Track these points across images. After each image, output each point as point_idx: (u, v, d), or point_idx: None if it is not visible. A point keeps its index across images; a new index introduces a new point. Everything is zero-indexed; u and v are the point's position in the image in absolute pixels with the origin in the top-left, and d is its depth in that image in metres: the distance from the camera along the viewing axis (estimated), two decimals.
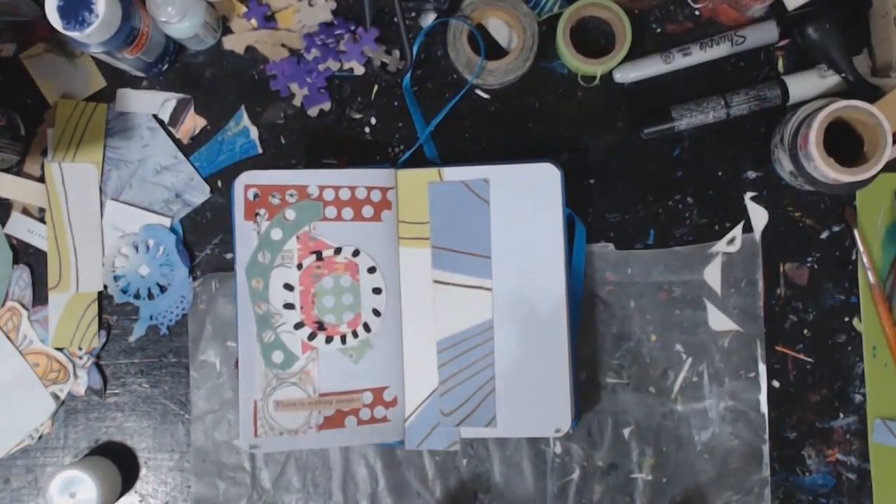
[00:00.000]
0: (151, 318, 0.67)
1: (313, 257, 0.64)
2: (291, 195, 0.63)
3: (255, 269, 0.63)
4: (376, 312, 0.64)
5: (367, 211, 0.64)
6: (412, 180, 0.65)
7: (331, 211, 0.64)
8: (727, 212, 0.67)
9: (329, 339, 0.63)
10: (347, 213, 0.64)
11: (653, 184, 0.68)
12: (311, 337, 0.63)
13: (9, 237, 0.68)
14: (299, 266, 0.63)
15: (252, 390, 0.62)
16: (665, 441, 0.66)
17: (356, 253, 0.64)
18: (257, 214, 0.63)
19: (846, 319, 0.67)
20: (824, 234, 0.68)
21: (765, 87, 0.67)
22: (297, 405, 0.62)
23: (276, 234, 0.63)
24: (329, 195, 0.64)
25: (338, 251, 0.64)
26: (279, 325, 0.63)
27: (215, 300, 0.67)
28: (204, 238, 0.68)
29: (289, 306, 0.63)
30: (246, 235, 0.63)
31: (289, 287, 0.63)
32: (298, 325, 0.63)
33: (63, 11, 0.57)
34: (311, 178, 0.64)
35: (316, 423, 0.62)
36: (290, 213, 0.63)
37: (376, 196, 0.64)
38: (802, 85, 0.66)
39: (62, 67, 0.68)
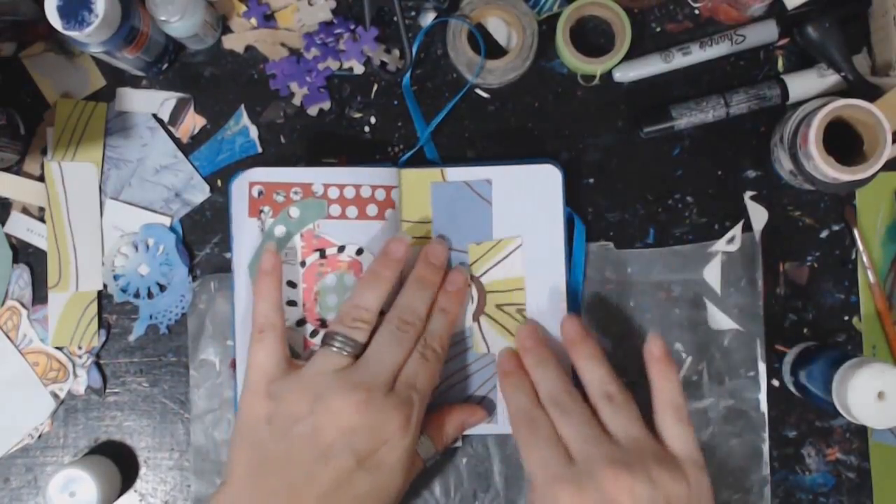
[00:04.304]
0: (151, 317, 0.67)
1: (317, 255, 0.64)
2: (296, 193, 0.64)
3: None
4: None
5: (371, 210, 0.64)
6: (415, 180, 0.65)
7: (335, 209, 0.64)
8: (727, 211, 0.67)
9: None
10: (352, 211, 0.64)
11: (653, 183, 0.68)
12: (314, 334, 0.63)
13: (8, 236, 0.68)
14: (303, 263, 0.63)
15: None
16: None
17: (360, 251, 0.64)
18: (261, 212, 0.63)
19: (846, 319, 0.67)
20: (824, 234, 0.68)
21: (764, 87, 0.67)
22: None
23: (280, 230, 0.63)
24: (333, 193, 0.64)
25: (341, 249, 0.64)
26: None
27: (215, 299, 0.67)
28: (204, 237, 0.68)
29: (291, 303, 0.63)
30: (250, 232, 0.63)
31: (292, 284, 0.63)
32: (301, 322, 0.63)
33: (63, 11, 0.57)
34: (316, 176, 0.64)
35: None
36: (294, 211, 0.63)
37: (380, 195, 0.64)
38: (802, 84, 0.67)
39: (62, 67, 0.68)
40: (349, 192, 0.64)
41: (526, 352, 0.63)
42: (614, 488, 0.53)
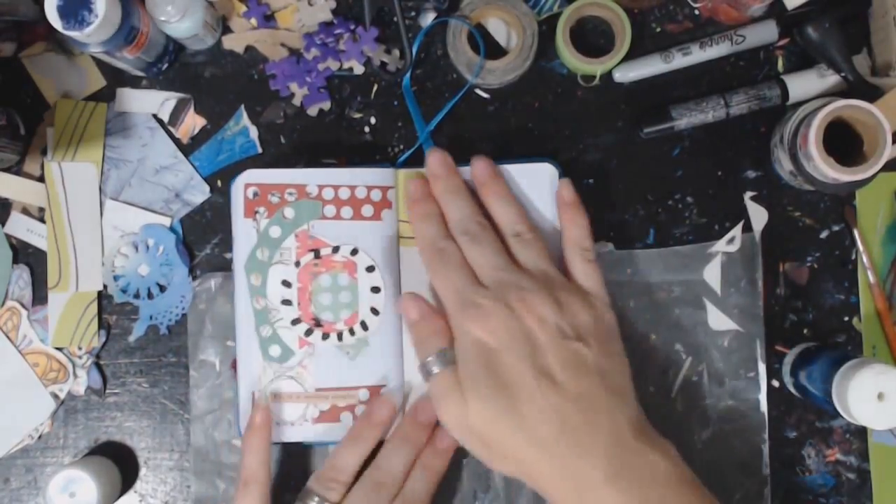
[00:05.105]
0: (151, 317, 0.67)
1: (311, 255, 0.64)
2: (291, 194, 0.64)
3: (254, 265, 0.63)
4: (375, 311, 0.64)
5: (367, 210, 0.64)
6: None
7: (329, 210, 0.64)
8: (727, 211, 0.67)
9: (325, 336, 0.63)
10: (346, 211, 0.64)
11: (653, 183, 0.68)
12: (308, 333, 0.63)
13: (8, 237, 0.68)
14: (297, 263, 0.64)
15: (250, 382, 0.63)
16: None
17: (354, 252, 0.64)
18: (256, 212, 0.63)
19: (846, 319, 0.67)
20: (824, 234, 0.68)
21: (764, 87, 0.67)
22: (292, 398, 0.63)
23: (275, 231, 0.63)
24: (328, 194, 0.64)
25: (336, 249, 0.64)
26: (276, 320, 0.63)
27: (215, 300, 0.67)
28: (204, 238, 0.68)
29: (286, 302, 0.63)
30: (245, 232, 0.63)
31: (286, 284, 0.63)
32: (295, 321, 0.63)
33: (63, 11, 0.57)
34: (311, 178, 0.64)
35: (312, 416, 0.63)
36: (288, 212, 0.64)
37: (376, 195, 0.64)
38: (802, 84, 0.67)
39: (62, 67, 0.68)
40: (344, 193, 0.64)
41: (436, 179, 0.63)
42: (523, 312, 0.55)
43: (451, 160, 0.64)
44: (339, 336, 0.64)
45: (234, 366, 0.66)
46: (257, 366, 0.63)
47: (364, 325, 0.64)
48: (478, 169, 0.63)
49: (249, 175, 0.64)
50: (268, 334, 0.63)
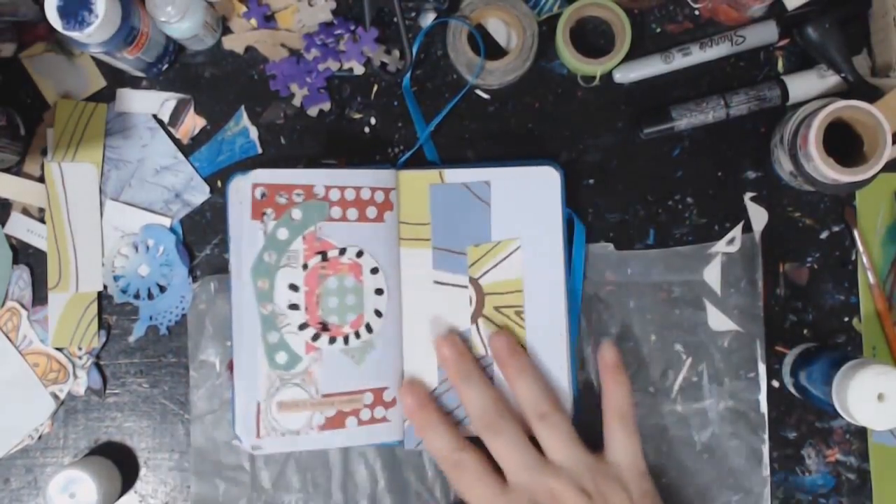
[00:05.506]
0: (151, 318, 0.67)
1: (319, 258, 0.63)
2: (298, 195, 0.63)
3: (262, 269, 0.62)
4: (378, 313, 0.64)
5: (371, 212, 0.64)
6: (413, 181, 0.65)
7: (336, 211, 0.63)
8: (727, 212, 0.67)
9: (332, 340, 0.63)
10: (352, 213, 0.64)
11: (653, 184, 0.68)
12: (315, 338, 0.63)
13: (8, 237, 0.68)
14: (305, 266, 0.63)
15: (254, 391, 0.61)
16: (665, 441, 0.66)
17: (360, 254, 0.64)
18: (264, 214, 0.62)
19: (846, 319, 0.67)
20: (824, 234, 0.68)
21: (764, 87, 0.67)
22: (299, 406, 0.62)
23: (283, 233, 0.63)
24: (335, 195, 0.63)
25: (342, 252, 0.63)
26: (284, 325, 0.62)
27: (215, 300, 0.67)
28: (204, 238, 0.68)
29: (293, 307, 0.63)
30: (252, 235, 0.62)
31: (294, 288, 0.63)
32: (303, 326, 0.63)
33: (63, 11, 0.57)
34: (318, 178, 0.63)
35: (317, 423, 0.62)
36: (296, 213, 0.63)
37: (380, 197, 0.64)
38: (802, 85, 0.67)
39: (62, 67, 0.68)
40: (350, 194, 0.64)
41: (449, 366, 0.63)
42: None
43: (462, 344, 0.64)
44: (346, 340, 0.63)
45: (230, 367, 0.66)
46: (263, 375, 0.62)
47: (369, 328, 0.64)
48: (497, 346, 0.63)
49: (257, 175, 0.62)
50: (275, 340, 0.62)
